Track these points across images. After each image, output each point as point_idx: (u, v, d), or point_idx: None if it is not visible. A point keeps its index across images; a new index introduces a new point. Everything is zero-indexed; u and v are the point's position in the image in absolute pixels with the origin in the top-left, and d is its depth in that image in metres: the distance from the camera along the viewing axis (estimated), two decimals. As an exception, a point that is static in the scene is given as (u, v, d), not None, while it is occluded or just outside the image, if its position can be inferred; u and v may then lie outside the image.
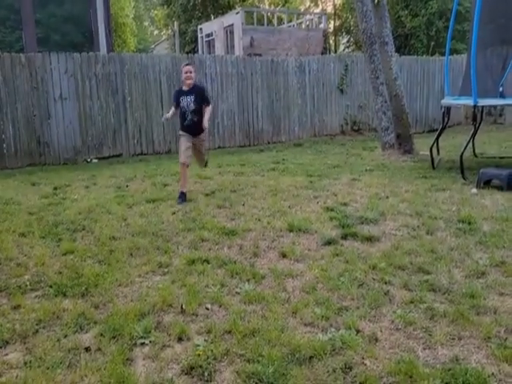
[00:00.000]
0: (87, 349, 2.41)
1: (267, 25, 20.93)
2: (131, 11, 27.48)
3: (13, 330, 2.59)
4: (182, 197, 5.49)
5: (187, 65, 5.72)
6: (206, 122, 5.61)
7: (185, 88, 5.60)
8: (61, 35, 13.93)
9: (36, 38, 12.64)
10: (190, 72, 5.56)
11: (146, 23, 43.44)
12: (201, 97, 5.61)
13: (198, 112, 5.56)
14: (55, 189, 6.42)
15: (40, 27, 13.18)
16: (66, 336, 2.53)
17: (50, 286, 3.16)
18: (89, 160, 9.24)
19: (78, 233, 4.37)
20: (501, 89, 7.09)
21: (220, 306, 2.85)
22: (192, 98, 5.52)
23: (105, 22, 13.89)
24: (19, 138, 8.68)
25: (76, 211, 5.11)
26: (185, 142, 5.60)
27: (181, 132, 5.70)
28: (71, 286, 3.13)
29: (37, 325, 2.66)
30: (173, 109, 5.66)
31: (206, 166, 6.20)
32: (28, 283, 3.22)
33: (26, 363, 2.29)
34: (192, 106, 5.52)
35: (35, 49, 11.45)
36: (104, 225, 4.58)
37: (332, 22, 26.82)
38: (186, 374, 2.21)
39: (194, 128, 5.60)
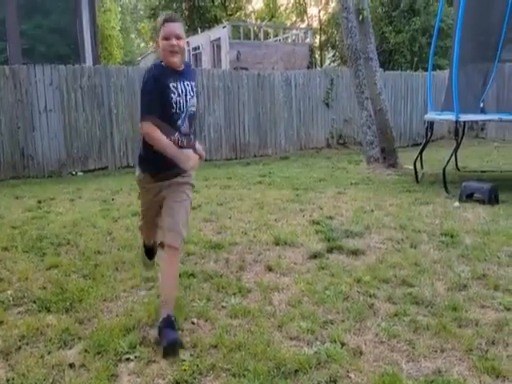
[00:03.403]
0: (71, 365, 2.38)
1: (254, 39, 21.18)
2: (118, 23, 27.53)
3: (-5, 347, 2.56)
4: (168, 322, 2.55)
5: (172, 21, 2.68)
6: (200, 147, 2.85)
7: (169, 66, 2.67)
8: (46, 47, 13.87)
9: (21, 49, 12.57)
10: (178, 37, 2.63)
11: (133, 35, 43.54)
12: (196, 90, 2.83)
13: (196, 120, 2.98)
14: (39, 202, 6.35)
15: (25, 38, 13.12)
16: (49, 352, 2.50)
17: (34, 302, 3.12)
18: (74, 173, 9.16)
19: (63, 247, 4.33)
20: (482, 104, 7.29)
21: (206, 321, 2.84)
22: (192, 87, 2.75)
23: (91, 33, 13.89)
24: (2, 150, 8.57)
25: (60, 225, 5.06)
26: (146, 201, 2.94)
27: (144, 176, 2.83)
28: (55, 301, 3.09)
29: (20, 341, 2.62)
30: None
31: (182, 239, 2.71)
32: (11, 298, 3.17)
33: (8, 380, 2.26)
34: (193, 105, 2.75)
35: (20, 60, 11.38)
36: (89, 239, 4.55)
37: (318, 37, 27.25)
38: (171, 389, 2.20)
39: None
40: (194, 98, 2.75)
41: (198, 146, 2.83)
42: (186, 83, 2.69)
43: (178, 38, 2.63)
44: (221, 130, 10.86)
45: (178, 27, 2.67)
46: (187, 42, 22.03)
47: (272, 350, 2.45)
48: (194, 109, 2.76)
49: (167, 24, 2.64)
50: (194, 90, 2.75)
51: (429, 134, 7.54)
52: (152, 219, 2.95)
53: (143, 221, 3.08)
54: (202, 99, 10.53)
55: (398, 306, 2.97)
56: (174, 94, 2.62)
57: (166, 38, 2.62)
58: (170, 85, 2.62)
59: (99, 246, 4.32)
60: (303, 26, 29.73)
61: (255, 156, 11.26)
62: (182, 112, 2.67)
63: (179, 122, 2.66)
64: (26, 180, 8.52)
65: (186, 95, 2.68)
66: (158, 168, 2.72)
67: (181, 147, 2.63)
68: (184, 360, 2.39)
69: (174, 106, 2.63)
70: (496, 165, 8.83)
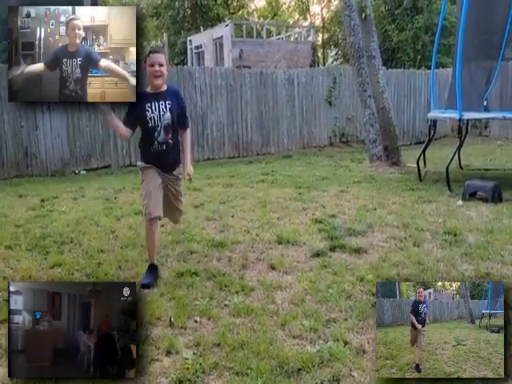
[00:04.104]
0: (74, 363, 2.39)
1: (256, 37, 21.15)
2: (120, 23, 27.49)
3: (-1, 345, 2.56)
4: (150, 275, 3.45)
5: (155, 52, 3.41)
6: (189, 165, 3.64)
7: (150, 90, 3.45)
8: (49, 46, 13.89)
9: (24, 48, 12.61)
10: (161, 64, 3.36)
11: (136, 34, 43.54)
12: (178, 108, 3.52)
13: (175, 131, 3.52)
14: (42, 201, 6.37)
15: (28, 38, 13.15)
16: (53, 350, 2.51)
17: (37, 300, 3.13)
18: (77, 171, 9.19)
19: (66, 245, 4.34)
20: (485, 102, 7.26)
21: (209, 319, 2.85)
22: (166, 104, 3.43)
23: (94, 33, 13.93)
24: (6, 149, 8.61)
25: (64, 223, 5.07)
26: (151, 180, 3.50)
27: (142, 163, 3.59)
28: (58, 299, 3.10)
29: (23, 339, 2.63)
30: (123, 128, 3.33)
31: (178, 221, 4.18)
32: (14, 297, 3.18)
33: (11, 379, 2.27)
34: (167, 118, 3.42)
35: (23, 60, 11.41)
36: (92, 237, 4.56)
37: (320, 35, 27.19)
38: (174, 387, 2.20)
39: (166, 157, 3.51)
40: (167, 113, 3.43)
41: (187, 160, 3.66)
42: (161, 102, 3.42)
43: (161, 65, 3.36)
44: (223, 129, 10.87)
45: (161, 57, 3.41)
46: (189, 41, 22.07)
47: (275, 349, 2.45)
48: (168, 119, 3.44)
49: (152, 54, 3.37)
50: (169, 106, 3.43)
51: (432, 132, 7.52)
52: (155, 192, 3.47)
53: (147, 195, 3.48)
54: (205, 98, 10.54)
55: (401, 304, 2.96)
56: (149, 112, 3.39)
57: (152, 65, 3.35)
58: (146, 106, 3.38)
59: (102, 244, 4.33)
60: (306, 24, 29.68)
61: (258, 154, 11.26)
62: (157, 125, 3.42)
63: (156, 133, 3.44)
64: (30, 179, 8.55)
65: (159, 112, 3.41)
66: (150, 162, 3.54)
67: (160, 148, 3.47)
68: (187, 358, 2.40)
69: (150, 121, 3.41)
70: (499, 163, 8.80)
